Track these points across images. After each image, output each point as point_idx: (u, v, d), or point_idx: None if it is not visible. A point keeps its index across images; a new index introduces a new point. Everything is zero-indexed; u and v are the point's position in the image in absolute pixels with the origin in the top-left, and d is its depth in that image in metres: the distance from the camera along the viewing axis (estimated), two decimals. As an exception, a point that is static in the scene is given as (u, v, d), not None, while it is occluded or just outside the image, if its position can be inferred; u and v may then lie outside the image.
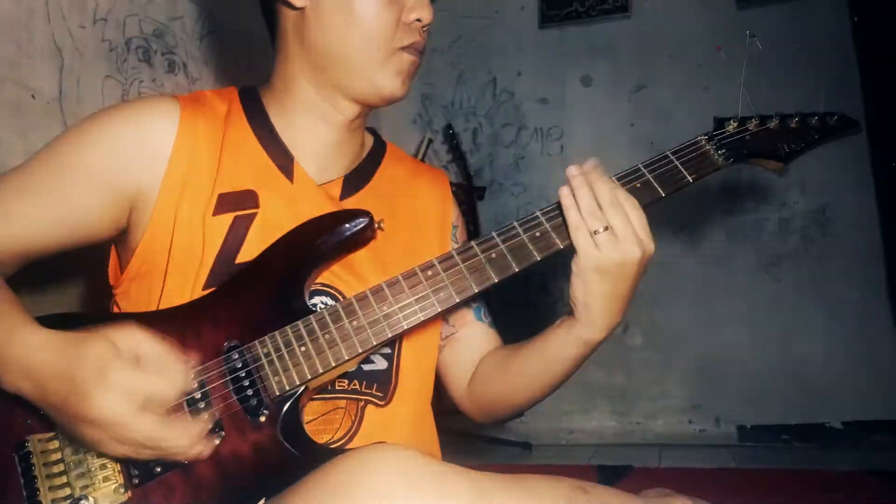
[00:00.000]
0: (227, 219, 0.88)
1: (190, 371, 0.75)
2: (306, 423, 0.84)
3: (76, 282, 1.48)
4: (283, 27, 0.94)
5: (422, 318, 0.83)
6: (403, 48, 0.89)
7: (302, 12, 0.91)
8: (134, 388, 0.69)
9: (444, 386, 1.07)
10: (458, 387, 1.06)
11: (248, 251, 0.87)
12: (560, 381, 0.94)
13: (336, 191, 0.96)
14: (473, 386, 1.04)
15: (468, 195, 2.91)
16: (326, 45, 0.90)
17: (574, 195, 0.82)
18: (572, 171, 0.84)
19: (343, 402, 0.89)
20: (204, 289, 0.85)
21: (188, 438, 0.72)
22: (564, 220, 0.83)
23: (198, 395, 0.76)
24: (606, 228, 0.80)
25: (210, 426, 0.75)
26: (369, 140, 1.07)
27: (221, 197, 0.89)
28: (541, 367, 0.93)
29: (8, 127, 1.35)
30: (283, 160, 0.93)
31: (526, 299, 2.98)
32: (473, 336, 1.05)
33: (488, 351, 1.05)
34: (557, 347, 0.90)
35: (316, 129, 0.95)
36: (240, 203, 0.89)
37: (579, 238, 0.81)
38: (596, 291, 0.82)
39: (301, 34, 0.91)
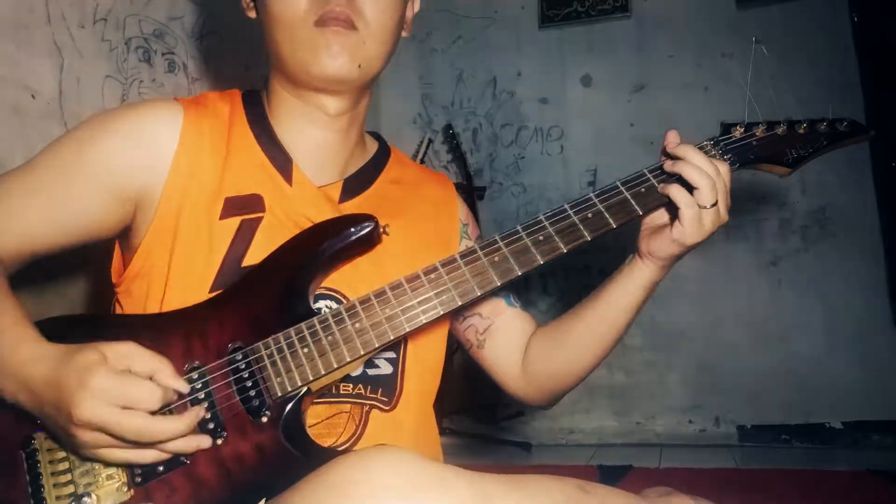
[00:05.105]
0: (233, 222, 0.88)
1: (180, 381, 0.75)
2: (310, 426, 0.84)
3: (76, 282, 1.47)
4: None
5: (424, 321, 0.83)
6: (318, 24, 0.88)
7: (258, 21, 0.95)
8: (114, 392, 0.68)
9: (495, 379, 1.07)
10: (510, 374, 1.05)
11: (255, 254, 0.87)
12: (622, 334, 0.97)
13: (335, 193, 0.96)
14: (530, 367, 1.03)
15: (468, 195, 2.90)
16: (269, 46, 0.94)
17: (682, 170, 0.84)
18: (672, 139, 0.87)
19: (347, 407, 0.89)
20: (211, 291, 0.86)
21: (177, 431, 0.71)
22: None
23: (201, 396, 0.77)
24: (714, 205, 0.83)
25: (200, 418, 0.75)
26: (373, 145, 1.07)
27: (228, 200, 0.89)
28: (607, 323, 0.96)
29: (8, 127, 1.35)
30: (283, 163, 0.94)
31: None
32: (512, 322, 1.05)
33: (529, 333, 1.05)
34: (626, 296, 0.93)
35: (304, 129, 0.96)
36: (246, 207, 0.90)
37: (689, 214, 0.84)
38: (680, 253, 0.89)
39: (263, 40, 0.95)
